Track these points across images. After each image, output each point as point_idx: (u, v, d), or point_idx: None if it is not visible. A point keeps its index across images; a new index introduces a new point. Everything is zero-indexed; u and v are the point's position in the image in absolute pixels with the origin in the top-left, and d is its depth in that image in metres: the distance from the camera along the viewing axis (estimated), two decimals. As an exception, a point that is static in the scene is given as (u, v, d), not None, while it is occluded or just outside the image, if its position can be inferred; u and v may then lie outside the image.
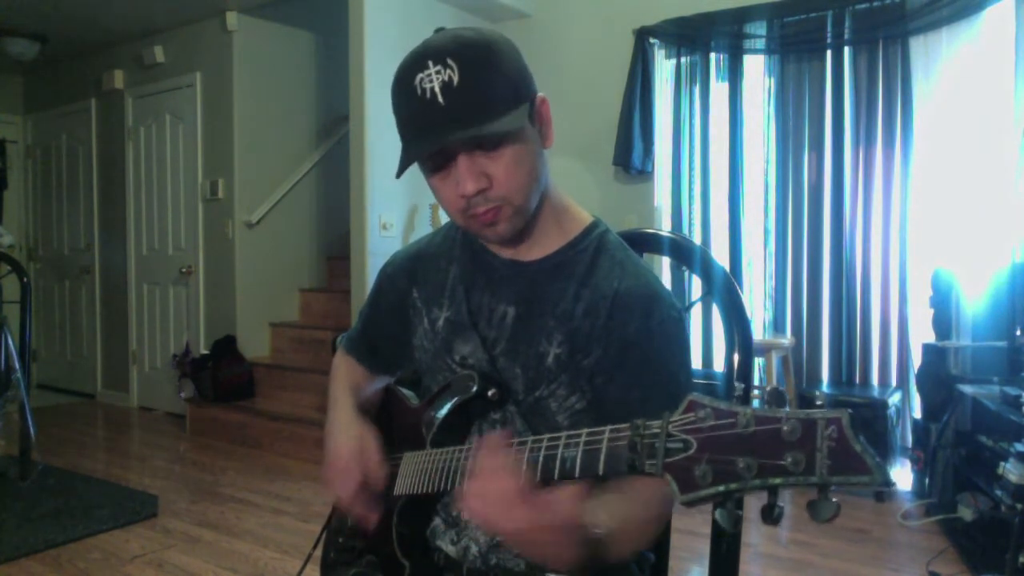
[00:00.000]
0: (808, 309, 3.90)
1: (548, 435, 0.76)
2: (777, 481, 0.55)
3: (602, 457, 0.69)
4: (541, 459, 0.75)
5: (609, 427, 0.70)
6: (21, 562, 2.66)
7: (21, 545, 2.76)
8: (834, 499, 0.54)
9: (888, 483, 0.52)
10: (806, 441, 0.54)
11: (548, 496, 0.73)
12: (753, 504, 0.59)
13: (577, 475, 0.72)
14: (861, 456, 0.52)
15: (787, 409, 0.56)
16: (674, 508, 0.68)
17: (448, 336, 1.05)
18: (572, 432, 0.74)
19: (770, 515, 0.57)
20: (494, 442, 0.79)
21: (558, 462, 0.73)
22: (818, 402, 0.56)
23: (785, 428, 0.55)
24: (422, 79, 0.86)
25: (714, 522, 0.60)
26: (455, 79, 0.85)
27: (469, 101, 0.86)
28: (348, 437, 1.06)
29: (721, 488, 0.58)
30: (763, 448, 0.56)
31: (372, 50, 3.94)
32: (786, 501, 0.57)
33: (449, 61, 0.85)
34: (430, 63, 0.86)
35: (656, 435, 0.64)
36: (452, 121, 0.86)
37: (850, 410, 0.54)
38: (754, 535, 2.85)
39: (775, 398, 0.57)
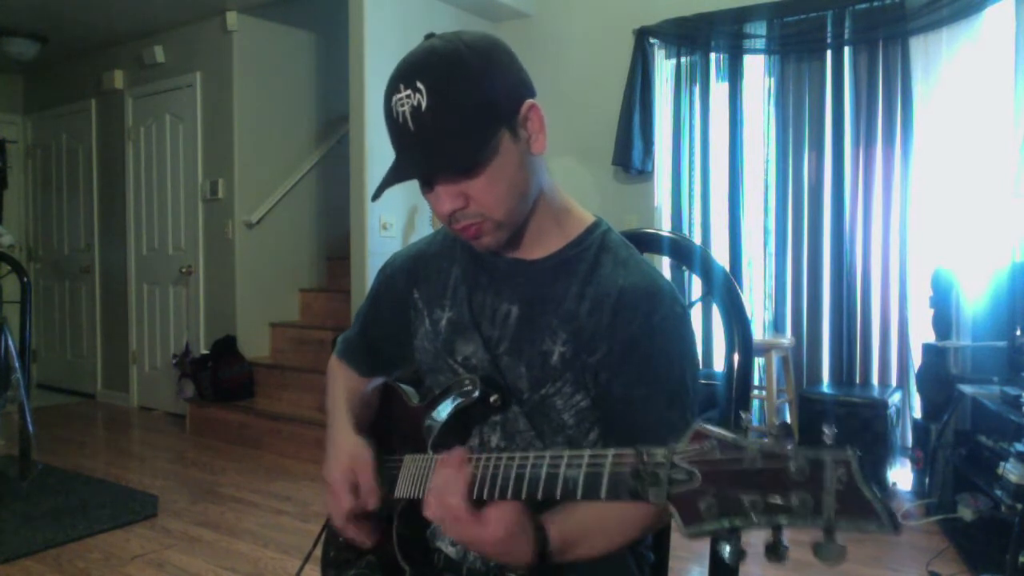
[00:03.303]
0: (808, 309, 3.89)
1: (551, 452, 0.76)
2: (783, 521, 0.55)
3: (605, 482, 0.69)
4: (543, 476, 0.75)
5: (612, 450, 0.69)
6: (21, 562, 2.67)
7: (21, 545, 2.76)
8: (841, 542, 0.53)
9: (896, 530, 0.51)
10: (814, 482, 0.53)
11: (488, 512, 0.80)
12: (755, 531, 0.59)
13: (579, 497, 0.72)
14: (870, 502, 0.51)
15: (795, 446, 0.55)
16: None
17: (450, 336, 1.05)
18: (574, 452, 0.74)
19: (775, 553, 0.57)
20: (451, 459, 0.83)
21: (560, 482, 0.73)
22: (827, 440, 0.54)
23: (792, 467, 0.54)
24: (396, 102, 0.87)
25: (714, 541, 0.60)
26: (423, 104, 0.85)
27: (437, 129, 0.85)
28: (342, 457, 1.04)
29: (725, 523, 0.57)
30: (769, 486, 0.55)
31: (372, 50, 3.95)
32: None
33: (419, 84, 0.85)
34: (402, 86, 0.87)
35: (661, 464, 0.63)
36: (421, 149, 0.87)
37: (859, 452, 0.53)
38: (754, 535, 2.85)
39: (783, 432, 0.56)
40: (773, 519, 0.55)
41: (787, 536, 0.57)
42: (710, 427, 0.61)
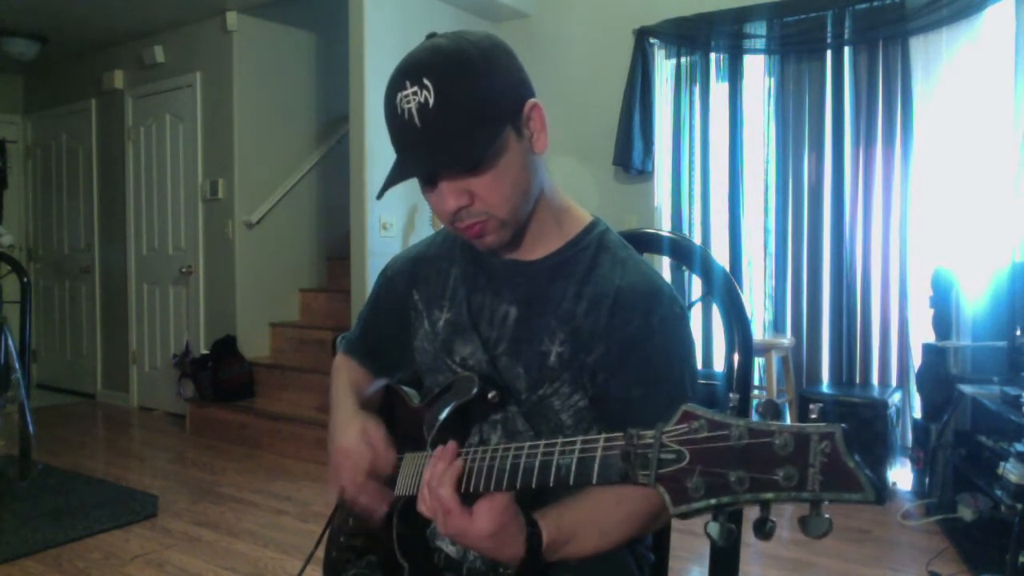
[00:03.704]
0: (808, 309, 3.90)
1: (545, 441, 0.77)
2: (769, 496, 0.55)
3: (596, 466, 0.70)
4: (537, 465, 0.76)
5: (604, 435, 0.70)
6: (21, 562, 2.66)
7: (21, 545, 2.76)
8: (826, 515, 0.54)
9: (880, 501, 0.52)
10: (799, 456, 0.54)
11: (478, 505, 0.81)
12: (749, 515, 0.59)
13: (572, 483, 0.72)
14: (854, 473, 0.52)
15: (781, 422, 0.56)
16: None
17: (448, 337, 1.05)
18: (567, 440, 0.74)
19: (762, 529, 0.57)
20: (443, 453, 0.84)
21: (553, 469, 0.74)
22: (812, 415, 0.55)
23: (777, 442, 0.55)
24: (401, 99, 0.87)
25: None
26: (431, 100, 0.85)
27: (444, 125, 0.86)
28: (352, 428, 1.04)
29: (713, 501, 0.58)
30: (755, 462, 0.56)
31: (372, 50, 3.95)
32: (785, 505, 0.57)
33: (426, 81, 0.85)
34: (408, 83, 0.86)
35: (649, 445, 0.64)
36: (428, 145, 0.87)
37: (844, 425, 0.53)
38: (749, 536, 2.85)
39: (770, 410, 0.57)
40: (759, 495, 0.55)
41: (774, 514, 0.57)
42: (698, 408, 0.61)
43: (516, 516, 0.83)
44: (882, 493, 0.52)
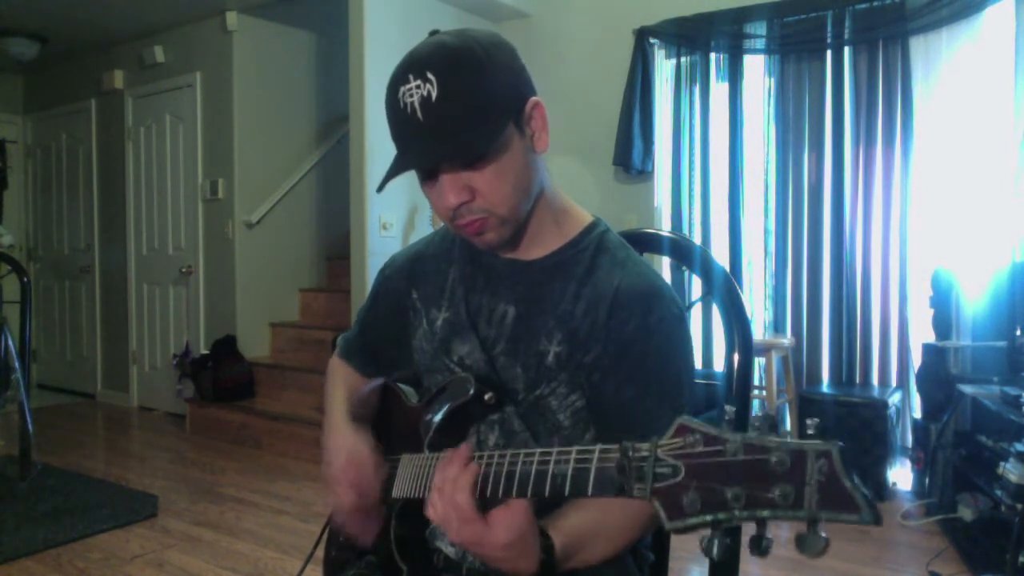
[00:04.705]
0: (808, 309, 3.89)
1: (540, 449, 0.76)
2: (764, 514, 0.54)
3: (591, 477, 0.69)
4: (533, 473, 0.75)
5: (599, 446, 0.70)
6: (21, 562, 2.67)
7: (21, 545, 2.76)
8: (823, 534, 0.53)
9: (878, 522, 0.51)
10: (795, 474, 0.53)
11: (495, 513, 0.77)
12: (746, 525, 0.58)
13: (567, 493, 0.72)
14: (851, 493, 0.51)
15: (777, 438, 0.55)
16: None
17: (446, 336, 1.05)
18: (563, 448, 0.74)
19: (758, 547, 0.56)
20: (456, 456, 0.81)
21: (549, 478, 0.73)
22: (810, 431, 0.54)
23: (774, 459, 0.54)
24: (404, 93, 0.87)
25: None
26: (434, 94, 0.85)
27: (447, 118, 0.85)
28: (340, 454, 1.04)
29: (708, 517, 0.57)
30: (751, 479, 0.55)
31: (372, 50, 3.95)
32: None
33: (429, 75, 0.85)
34: (411, 76, 0.86)
35: (645, 458, 0.63)
36: (430, 138, 0.86)
37: (840, 443, 0.52)
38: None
39: (766, 424, 0.56)
40: (755, 512, 0.55)
41: (771, 530, 0.57)
42: (693, 421, 0.61)
43: (533, 527, 0.80)
44: (879, 514, 0.51)
